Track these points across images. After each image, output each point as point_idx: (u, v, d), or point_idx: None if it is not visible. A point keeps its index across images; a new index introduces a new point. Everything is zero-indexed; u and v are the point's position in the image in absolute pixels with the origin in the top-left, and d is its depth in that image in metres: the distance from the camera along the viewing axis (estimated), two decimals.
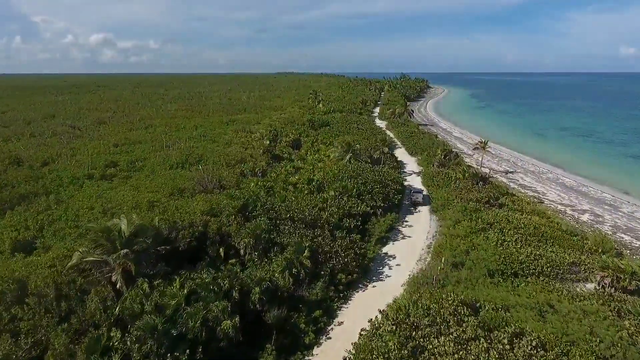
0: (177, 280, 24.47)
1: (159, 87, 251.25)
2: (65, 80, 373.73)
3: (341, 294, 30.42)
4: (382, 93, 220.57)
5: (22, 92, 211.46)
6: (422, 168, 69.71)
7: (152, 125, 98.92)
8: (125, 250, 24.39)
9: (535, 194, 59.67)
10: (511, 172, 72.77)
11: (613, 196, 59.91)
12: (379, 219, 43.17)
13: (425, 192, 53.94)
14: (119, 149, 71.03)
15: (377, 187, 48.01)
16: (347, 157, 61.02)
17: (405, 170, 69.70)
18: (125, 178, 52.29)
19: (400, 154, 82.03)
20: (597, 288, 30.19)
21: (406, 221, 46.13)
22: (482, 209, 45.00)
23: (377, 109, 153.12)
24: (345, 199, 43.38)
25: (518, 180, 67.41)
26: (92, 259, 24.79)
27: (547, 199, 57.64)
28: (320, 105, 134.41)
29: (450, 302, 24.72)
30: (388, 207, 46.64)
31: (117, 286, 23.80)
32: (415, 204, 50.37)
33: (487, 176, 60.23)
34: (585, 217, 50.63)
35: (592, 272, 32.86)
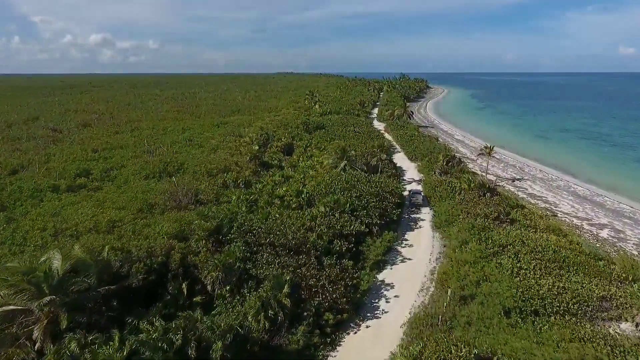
0: (116, 335, 19.31)
1: (155, 88, 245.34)
2: (63, 80, 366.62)
3: (328, 339, 25.23)
4: (381, 93, 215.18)
5: (15, 92, 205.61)
6: (422, 175, 64.59)
7: (139, 127, 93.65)
8: (50, 297, 19.28)
9: (547, 205, 54.59)
10: (518, 180, 67.72)
11: (631, 207, 54.82)
12: (375, 238, 38.06)
13: (423, 194, 52.41)
14: (97, 155, 65.78)
15: (373, 201, 42.75)
16: (342, 165, 55.97)
17: (404, 178, 64.58)
18: (95, 189, 47.06)
19: (400, 158, 77.03)
20: (636, 331, 25.15)
21: (406, 240, 41.00)
22: (492, 226, 39.86)
23: (376, 110, 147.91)
24: (337, 215, 38.16)
25: (527, 189, 62.32)
26: (12, 307, 19.72)
27: (560, 211, 52.56)
28: (317, 106, 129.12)
29: None
30: (385, 224, 41.47)
31: (36, 346, 18.71)
32: (415, 206, 49.18)
33: (494, 186, 55.08)
34: (604, 233, 45.56)
35: (626, 308, 27.87)
